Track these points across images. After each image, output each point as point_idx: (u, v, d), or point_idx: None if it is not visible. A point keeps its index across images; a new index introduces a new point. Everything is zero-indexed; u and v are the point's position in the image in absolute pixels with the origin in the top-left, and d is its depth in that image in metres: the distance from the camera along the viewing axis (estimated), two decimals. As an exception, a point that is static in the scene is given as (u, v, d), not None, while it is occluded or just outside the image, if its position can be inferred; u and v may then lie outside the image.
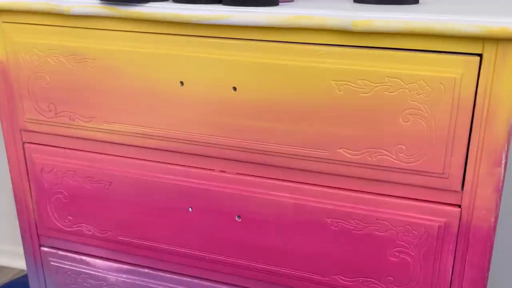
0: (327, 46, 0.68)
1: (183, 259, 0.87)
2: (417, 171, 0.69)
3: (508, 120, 0.64)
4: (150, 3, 0.74)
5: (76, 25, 0.79)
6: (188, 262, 0.87)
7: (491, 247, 0.70)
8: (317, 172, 0.74)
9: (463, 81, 0.64)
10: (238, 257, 0.83)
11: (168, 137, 0.80)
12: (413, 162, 0.69)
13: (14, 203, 0.97)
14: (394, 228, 0.73)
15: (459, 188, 0.69)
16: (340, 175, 0.73)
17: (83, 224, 0.92)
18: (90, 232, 0.92)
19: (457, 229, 0.71)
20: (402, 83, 0.66)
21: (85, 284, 0.96)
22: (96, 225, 0.91)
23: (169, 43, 0.75)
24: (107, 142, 0.85)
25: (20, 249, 1.01)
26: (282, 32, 0.69)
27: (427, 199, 0.71)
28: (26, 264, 1.00)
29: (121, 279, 0.93)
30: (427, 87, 0.65)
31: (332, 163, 0.73)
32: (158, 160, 0.83)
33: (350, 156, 0.71)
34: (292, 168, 0.75)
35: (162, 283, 0.90)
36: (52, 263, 0.97)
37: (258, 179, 0.78)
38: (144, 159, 0.84)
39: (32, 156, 0.91)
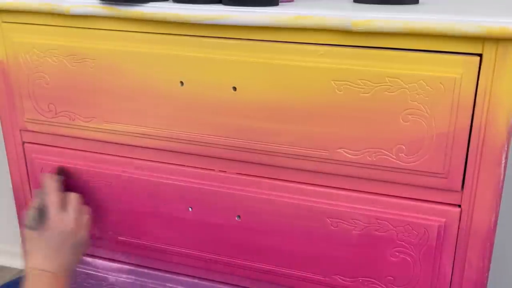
0: (327, 46, 0.68)
1: (183, 259, 0.87)
2: (417, 171, 0.69)
3: (508, 120, 0.64)
4: (150, 3, 0.74)
5: (76, 25, 0.79)
6: (188, 262, 0.87)
7: (491, 247, 0.71)
8: (317, 172, 0.74)
9: (463, 81, 0.64)
10: (238, 257, 0.83)
11: (168, 137, 0.80)
12: (413, 162, 0.69)
13: (14, 203, 0.97)
14: (394, 228, 0.73)
15: (459, 188, 0.69)
16: (340, 175, 0.73)
17: (83, 224, 0.92)
18: (90, 232, 0.91)
19: (457, 229, 0.71)
20: (402, 83, 0.66)
21: (85, 284, 0.96)
22: (96, 225, 0.90)
23: (169, 43, 0.75)
24: (107, 142, 0.85)
25: (20, 249, 1.01)
26: (282, 32, 0.69)
27: (427, 199, 0.71)
28: (26, 264, 1.00)
29: (121, 279, 0.93)
30: (427, 87, 0.65)
31: (332, 163, 0.73)
32: (158, 160, 0.83)
33: (350, 156, 0.71)
34: (292, 168, 0.75)
35: (162, 283, 0.90)
36: (52, 263, 0.97)
37: (258, 179, 0.78)
38: (144, 159, 0.84)
39: (32, 156, 0.91)
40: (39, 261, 0.77)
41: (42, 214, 0.80)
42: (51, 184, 0.83)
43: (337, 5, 0.72)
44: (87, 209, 0.84)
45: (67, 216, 0.81)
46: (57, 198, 0.81)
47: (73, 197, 0.83)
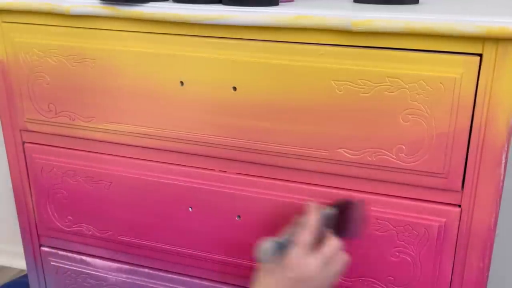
0: (327, 46, 0.68)
1: (183, 259, 0.87)
2: (417, 171, 0.69)
3: (508, 120, 0.64)
4: (150, 3, 0.74)
5: (76, 25, 0.79)
6: (188, 262, 0.87)
7: (491, 247, 0.70)
8: (317, 172, 0.74)
9: (463, 81, 0.64)
10: (238, 257, 0.83)
11: (168, 137, 0.80)
12: (413, 162, 0.69)
13: (14, 203, 0.97)
14: (394, 228, 0.73)
15: (459, 188, 0.69)
16: (340, 175, 0.73)
17: (83, 224, 0.92)
18: (90, 232, 0.92)
19: (457, 229, 0.71)
20: (402, 83, 0.66)
21: (85, 284, 0.96)
22: (96, 225, 0.91)
23: (169, 43, 0.75)
24: (107, 142, 0.85)
25: (20, 249, 1.01)
26: (282, 32, 0.69)
27: (427, 199, 0.71)
28: (26, 264, 1.00)
29: (121, 279, 0.93)
30: (427, 87, 0.65)
31: (332, 163, 0.73)
32: (158, 160, 0.83)
33: (350, 156, 0.71)
34: (292, 168, 0.75)
35: (162, 283, 0.90)
36: (52, 263, 0.97)
37: (258, 179, 0.78)
38: (144, 159, 0.84)
39: (32, 156, 0.91)
40: None
41: (283, 248, 0.67)
42: (312, 219, 0.68)
43: (337, 5, 0.72)
44: (342, 260, 0.68)
45: (311, 262, 0.65)
46: (309, 238, 0.66)
47: (332, 243, 0.67)
